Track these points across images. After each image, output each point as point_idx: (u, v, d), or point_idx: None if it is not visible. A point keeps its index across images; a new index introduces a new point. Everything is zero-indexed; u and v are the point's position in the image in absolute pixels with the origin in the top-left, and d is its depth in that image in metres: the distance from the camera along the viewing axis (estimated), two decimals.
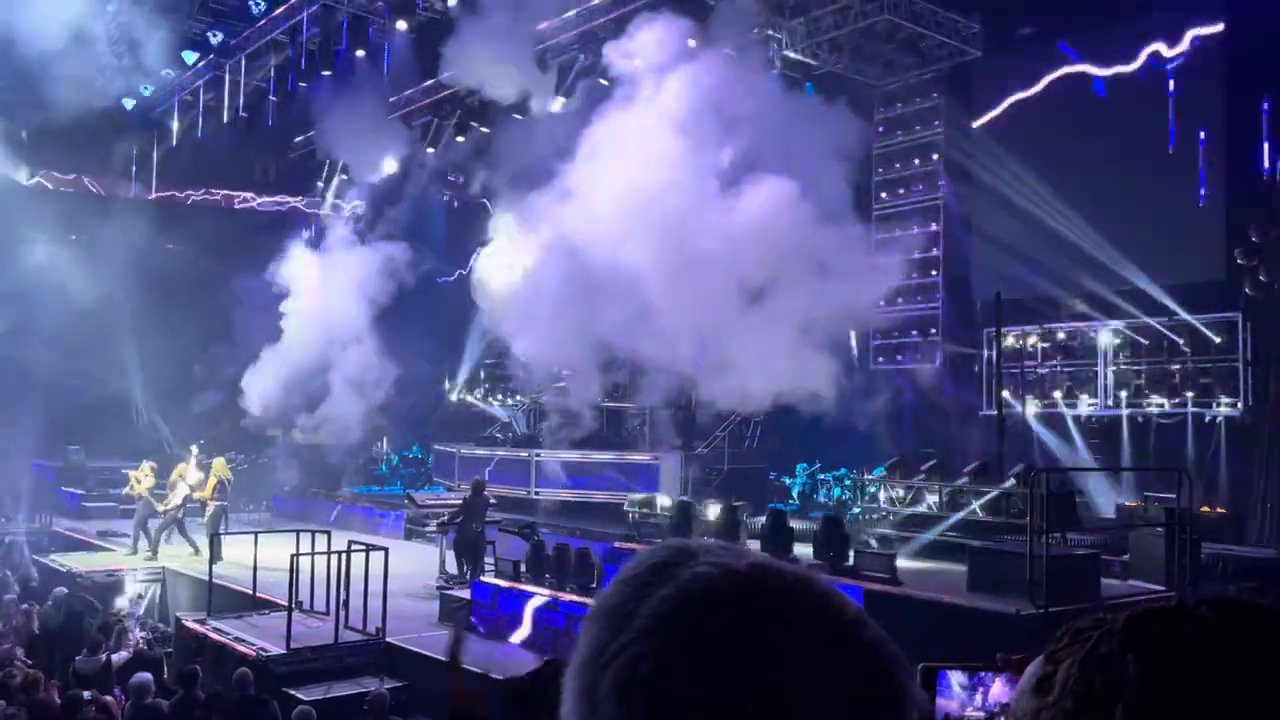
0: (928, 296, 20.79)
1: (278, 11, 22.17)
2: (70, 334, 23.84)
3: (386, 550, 12.91)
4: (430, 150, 25.74)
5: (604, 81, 19.55)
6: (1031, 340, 19.07)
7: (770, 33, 19.64)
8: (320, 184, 28.64)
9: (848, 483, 19.37)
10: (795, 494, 20.68)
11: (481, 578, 14.19)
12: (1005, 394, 18.15)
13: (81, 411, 24.07)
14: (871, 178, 21.55)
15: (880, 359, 21.53)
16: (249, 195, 29.17)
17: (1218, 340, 16.71)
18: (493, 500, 16.54)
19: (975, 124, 20.05)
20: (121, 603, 14.97)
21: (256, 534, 14.24)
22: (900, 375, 20.96)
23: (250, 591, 13.73)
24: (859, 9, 18.96)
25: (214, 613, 13.30)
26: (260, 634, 12.32)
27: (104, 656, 10.75)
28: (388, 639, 12.16)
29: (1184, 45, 17.10)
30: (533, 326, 20.33)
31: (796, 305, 17.28)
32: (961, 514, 14.76)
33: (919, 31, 19.37)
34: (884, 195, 21.58)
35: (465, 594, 13.75)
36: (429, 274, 28.18)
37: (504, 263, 23.12)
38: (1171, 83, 17.22)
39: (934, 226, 20.75)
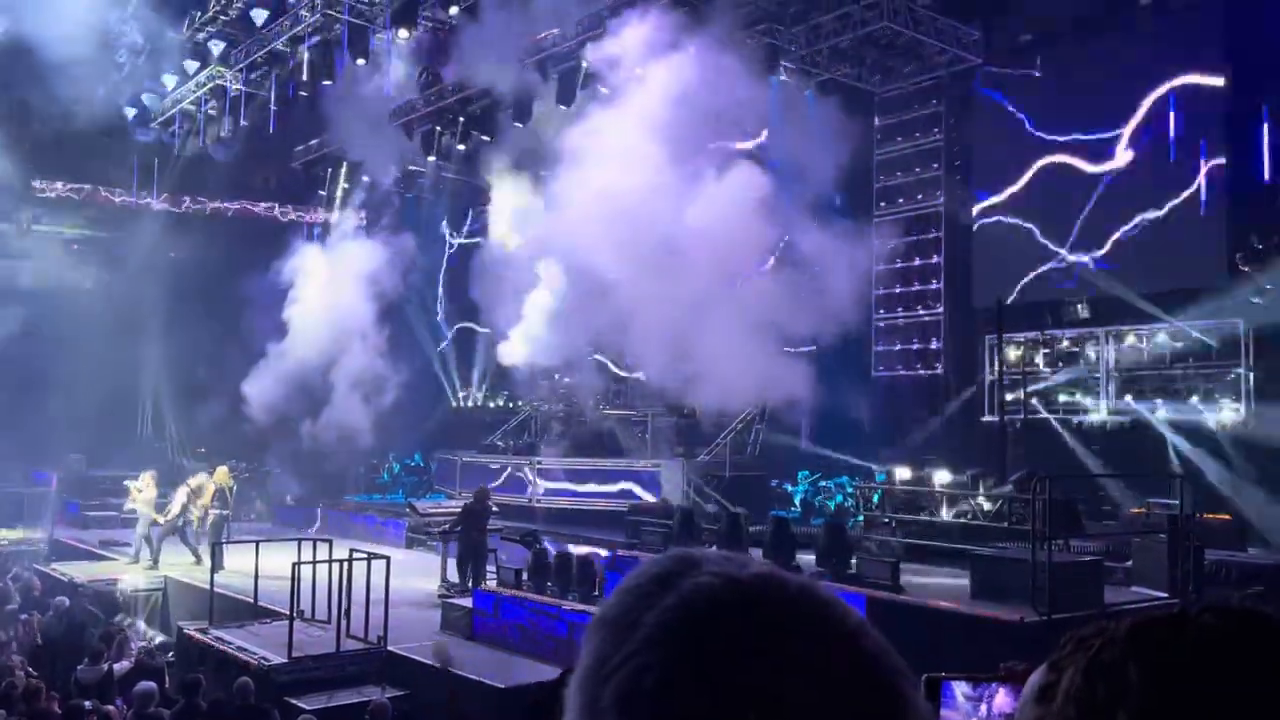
0: (930, 303, 20.79)
1: (279, 21, 22.21)
2: (72, 343, 23.85)
3: (388, 559, 12.91)
4: (431, 159, 25.78)
5: (604, 90, 19.60)
6: (1033, 347, 19.04)
7: (771, 40, 19.67)
8: (322, 192, 28.69)
9: (850, 490, 19.35)
10: (797, 501, 20.66)
11: (483, 586, 14.18)
12: (1007, 401, 18.15)
13: (83, 420, 24.07)
14: (873, 184, 21.57)
15: (882, 366, 21.52)
16: (251, 203, 29.19)
17: (1219, 347, 16.69)
18: (495, 508, 16.53)
19: (974, 128, 20.07)
20: (122, 613, 14.96)
21: (258, 543, 14.23)
22: (902, 382, 20.94)
23: (252, 600, 13.72)
24: (859, 16, 18.99)
25: (215, 622, 13.28)
26: (262, 643, 12.30)
27: (106, 666, 10.73)
28: (389, 648, 12.15)
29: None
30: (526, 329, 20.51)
31: (764, 306, 17.47)
32: (964, 521, 14.75)
33: (919, 38, 19.39)
34: (884, 204, 21.59)
35: (467, 602, 13.73)
36: (432, 280, 28.23)
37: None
38: (1171, 90, 17.23)
39: (935, 233, 20.75)
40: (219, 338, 25.70)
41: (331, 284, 25.06)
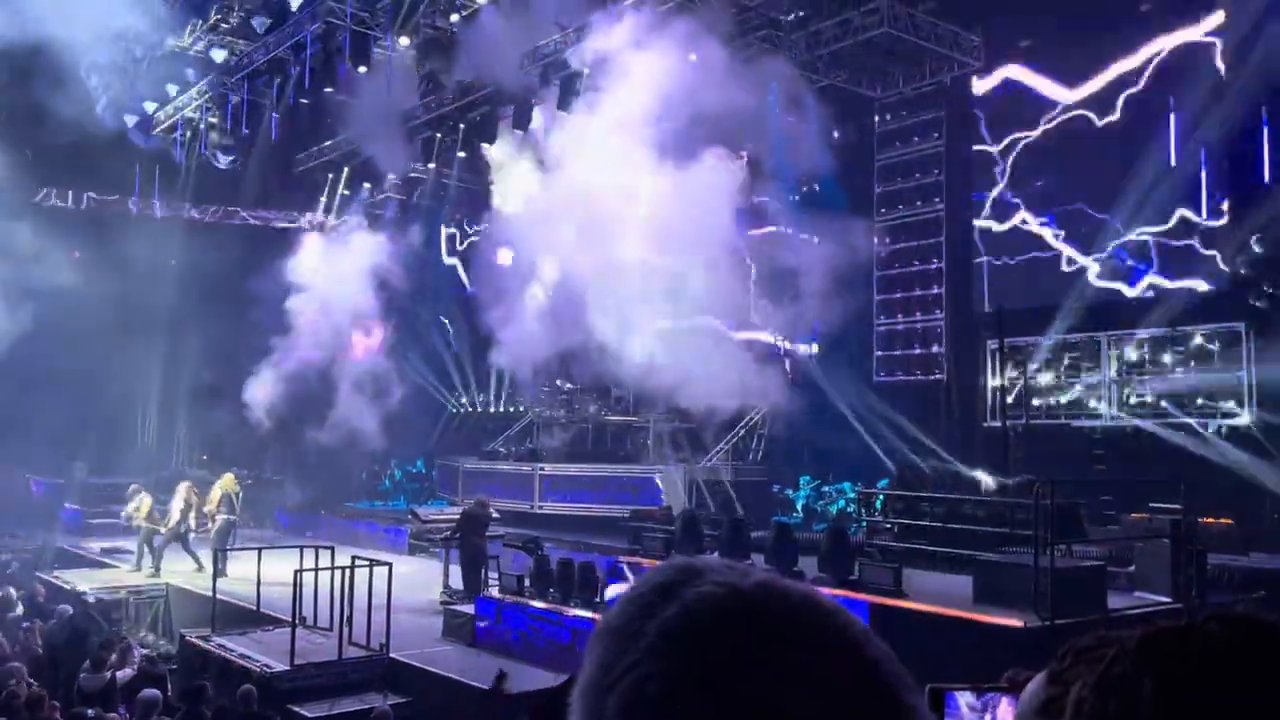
0: (930, 309, 20.79)
1: (281, 29, 22.26)
2: (73, 351, 23.87)
3: (390, 565, 12.91)
4: (431, 166, 25.83)
5: (603, 96, 19.61)
6: (1035, 352, 19.03)
7: (771, 45, 19.72)
8: (323, 199, 28.73)
9: (852, 495, 19.34)
10: (799, 506, 20.65)
11: (484, 593, 14.17)
12: (1008, 405, 18.14)
13: (85, 427, 24.09)
14: (873, 190, 21.58)
15: (883, 372, 21.52)
16: (252, 210, 29.21)
17: (1220, 350, 16.67)
18: (495, 515, 16.53)
19: (975, 133, 20.08)
20: (124, 621, 14.96)
21: (260, 549, 14.23)
22: (904, 388, 20.93)
23: (254, 607, 13.71)
24: (860, 22, 19.02)
25: (218, 629, 13.28)
26: (264, 650, 12.30)
27: (108, 674, 10.72)
28: (391, 655, 12.14)
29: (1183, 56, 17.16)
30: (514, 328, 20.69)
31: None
32: (966, 526, 14.72)
33: (919, 44, 19.41)
34: (884, 209, 21.59)
35: (469, 609, 13.72)
36: (432, 283, 28.27)
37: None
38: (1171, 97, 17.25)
39: (936, 239, 20.76)
40: (221, 344, 25.73)
41: (334, 276, 25.09)
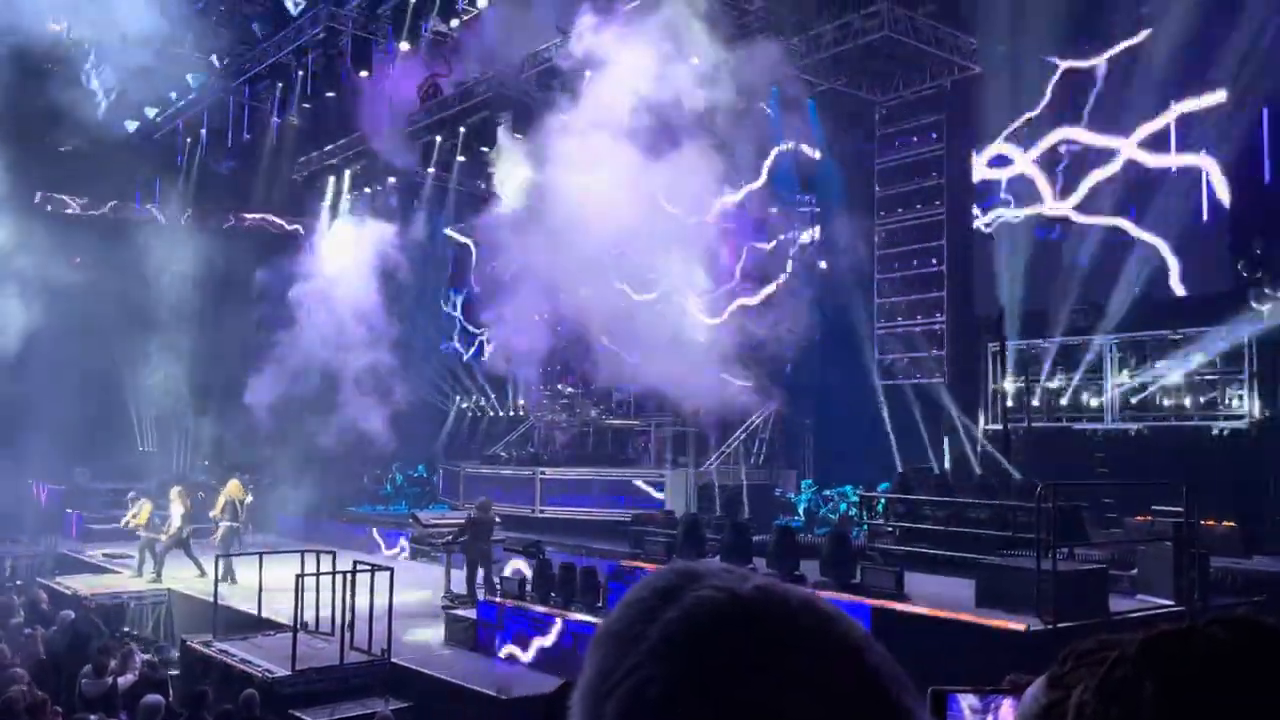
0: (932, 311, 20.78)
1: (282, 33, 22.31)
2: (74, 355, 23.89)
3: (392, 570, 12.91)
4: (430, 170, 25.86)
5: (602, 99, 19.62)
6: (1036, 354, 19.02)
7: (771, 49, 19.72)
8: (324, 203, 28.75)
9: (853, 499, 19.33)
10: (801, 510, 20.64)
11: (487, 597, 14.17)
12: (1010, 408, 18.12)
13: (87, 432, 24.10)
14: (874, 193, 21.58)
15: (884, 375, 21.50)
16: (253, 214, 29.25)
17: (1222, 353, 16.65)
18: (498, 520, 16.55)
19: (974, 136, 20.08)
20: (126, 626, 14.96)
21: (261, 555, 14.25)
22: (905, 390, 20.92)
23: (255, 612, 13.71)
24: (860, 25, 19.03)
25: (219, 634, 13.28)
26: (266, 655, 12.30)
27: (110, 679, 10.72)
28: (393, 659, 12.13)
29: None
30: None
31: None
32: (968, 529, 14.70)
33: (920, 48, 19.42)
34: (884, 212, 21.59)
35: (470, 614, 13.72)
36: (433, 287, 28.29)
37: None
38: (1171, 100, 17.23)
39: (937, 241, 20.76)
40: (223, 347, 25.75)
41: (335, 278, 25.15)
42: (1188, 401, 17.06)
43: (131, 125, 25.09)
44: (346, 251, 25.99)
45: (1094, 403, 18.24)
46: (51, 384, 23.54)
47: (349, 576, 12.52)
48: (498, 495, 20.09)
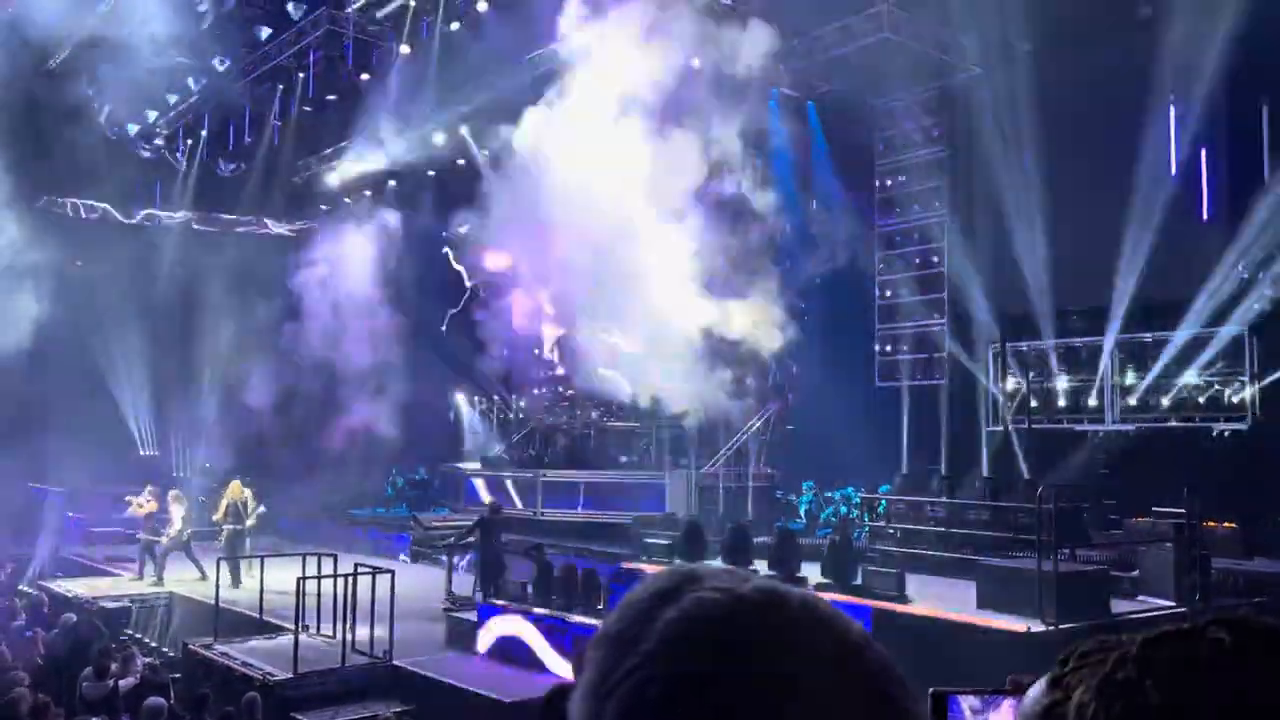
0: (932, 313, 20.78)
1: (283, 36, 22.34)
2: (76, 358, 23.92)
3: (393, 572, 12.91)
4: (431, 173, 25.89)
5: (603, 101, 19.62)
6: (1036, 356, 19.03)
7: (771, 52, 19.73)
8: (324, 206, 28.76)
9: (855, 501, 19.33)
10: (802, 512, 20.64)
11: (488, 599, 14.18)
12: (1010, 409, 18.13)
13: (88, 435, 24.10)
14: (874, 196, 21.58)
15: (885, 376, 21.50)
16: (254, 216, 29.26)
17: (1222, 353, 16.65)
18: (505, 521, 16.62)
19: (974, 140, 20.09)
20: (127, 629, 14.97)
21: (263, 557, 14.25)
22: (905, 392, 20.93)
23: (257, 615, 13.71)
24: (859, 27, 19.03)
25: (220, 637, 13.28)
26: (267, 658, 12.30)
27: (111, 682, 10.72)
28: (394, 662, 12.13)
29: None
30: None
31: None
32: (969, 531, 14.71)
33: (919, 50, 19.41)
34: (886, 214, 21.59)
35: (472, 616, 13.71)
36: (433, 289, 28.28)
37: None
38: (1171, 98, 17.23)
39: (937, 243, 20.76)
40: (224, 349, 25.75)
41: (336, 279, 25.20)
42: (1188, 402, 17.05)
43: (133, 128, 25.12)
44: (347, 252, 26.01)
45: (1094, 404, 18.24)
46: (53, 387, 23.57)
47: (350, 578, 12.52)
48: (498, 498, 20.10)
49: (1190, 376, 17.02)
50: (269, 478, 24.12)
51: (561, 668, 11.75)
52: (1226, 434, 16.38)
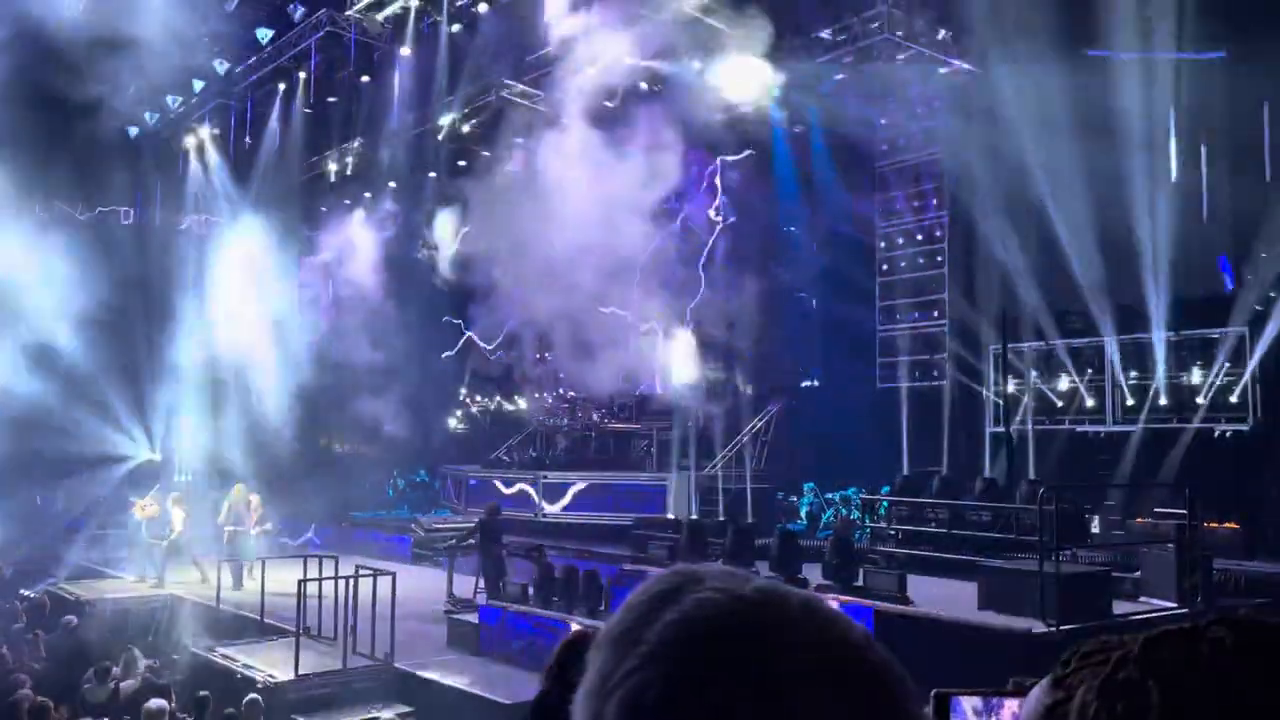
0: (933, 314, 20.78)
1: (284, 38, 22.37)
2: (76, 363, 23.91)
3: (394, 575, 12.91)
4: (432, 175, 25.89)
5: (608, 104, 19.66)
6: (1038, 357, 19.02)
7: (771, 54, 19.74)
8: (324, 208, 28.76)
9: (856, 502, 19.32)
10: (803, 513, 20.63)
11: (490, 601, 14.19)
12: (1012, 410, 18.11)
13: (89, 438, 24.11)
14: (875, 196, 21.58)
15: (886, 377, 21.49)
16: (255, 217, 29.25)
17: (1223, 353, 16.64)
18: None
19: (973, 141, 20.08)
20: (129, 631, 14.96)
21: (264, 560, 14.25)
22: (906, 393, 20.92)
23: (258, 617, 13.71)
24: (859, 29, 19.03)
25: (222, 639, 13.28)
26: (268, 660, 12.30)
27: (113, 685, 10.72)
28: (396, 664, 12.13)
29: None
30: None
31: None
32: (970, 531, 14.70)
33: (919, 51, 19.41)
34: (888, 216, 21.59)
35: (473, 618, 13.71)
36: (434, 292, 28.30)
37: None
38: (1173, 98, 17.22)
39: (938, 243, 20.76)
40: (225, 350, 25.73)
41: (336, 280, 25.24)
42: (1189, 403, 17.04)
43: (133, 132, 25.15)
44: (349, 253, 26.03)
45: (1096, 404, 18.23)
46: (54, 390, 23.55)
47: (351, 581, 12.52)
48: (501, 500, 20.10)
49: (1192, 377, 17.02)
50: (271, 480, 24.16)
51: None
52: (1228, 434, 16.37)
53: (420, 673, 11.97)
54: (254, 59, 23.23)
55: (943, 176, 20.63)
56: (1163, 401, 17.33)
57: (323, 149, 27.08)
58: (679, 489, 19.50)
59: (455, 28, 21.21)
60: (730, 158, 20.87)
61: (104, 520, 22.01)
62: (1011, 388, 18.53)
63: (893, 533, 16.02)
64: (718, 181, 21.25)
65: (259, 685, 11.29)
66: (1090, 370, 18.32)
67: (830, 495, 20.50)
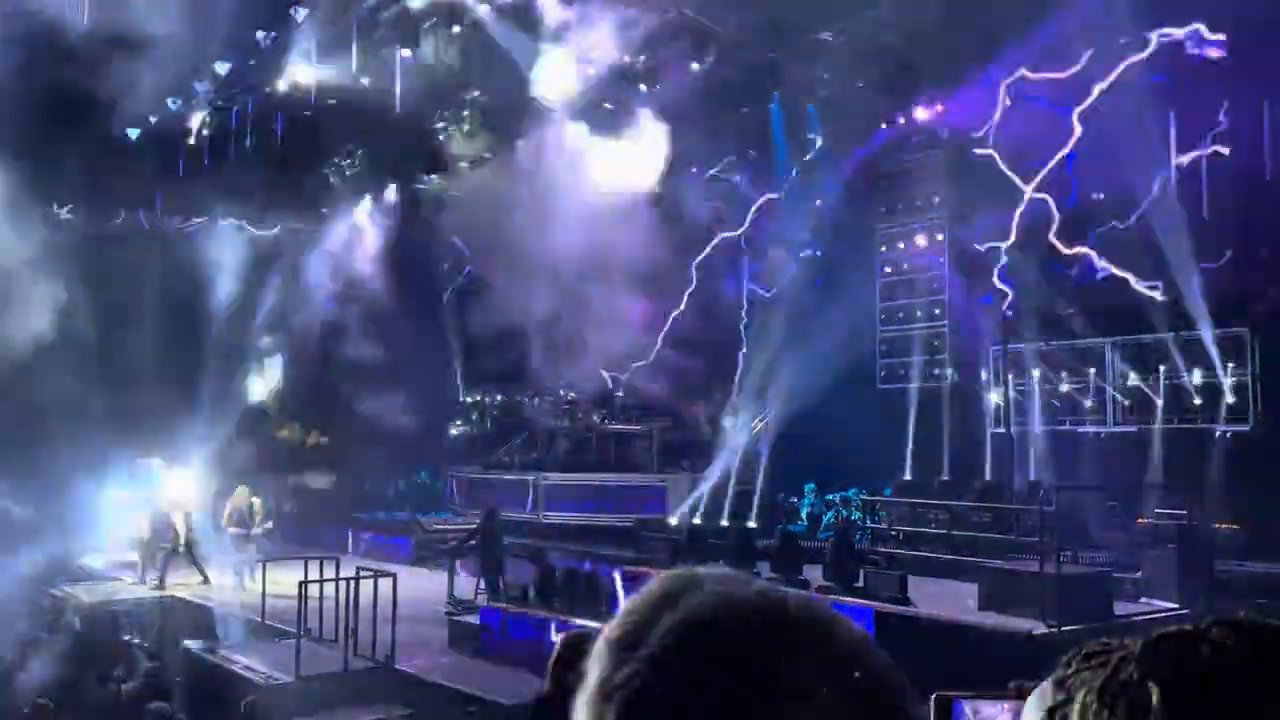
0: (934, 315, 20.77)
1: (284, 40, 22.33)
2: (76, 367, 23.90)
3: (395, 576, 12.90)
4: (434, 176, 25.91)
5: (608, 106, 19.67)
6: (1039, 357, 19.01)
7: (772, 55, 19.75)
8: (325, 209, 28.76)
9: (857, 503, 19.30)
10: (804, 514, 20.61)
11: (491, 603, 14.19)
12: (1012, 411, 18.10)
13: (90, 439, 24.09)
14: (875, 196, 21.58)
15: (887, 378, 21.49)
16: (256, 217, 29.26)
17: (1225, 355, 16.62)
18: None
19: (973, 140, 20.08)
20: (130, 633, 14.96)
21: (265, 561, 14.25)
22: (907, 394, 20.91)
23: (259, 619, 13.71)
24: (859, 29, 19.02)
25: (223, 641, 13.28)
26: (269, 662, 12.29)
27: (114, 686, 10.72)
28: (397, 666, 12.12)
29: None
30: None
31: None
32: (971, 533, 14.70)
33: (919, 51, 19.39)
34: (889, 217, 21.58)
35: (474, 619, 13.71)
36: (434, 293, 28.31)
37: None
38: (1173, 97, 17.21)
39: (938, 245, 20.75)
40: (226, 351, 25.76)
41: (336, 280, 25.28)
42: (1190, 403, 17.02)
43: (134, 133, 25.12)
44: (352, 253, 26.05)
45: (1097, 405, 18.21)
46: (56, 394, 23.53)
47: (352, 582, 12.51)
48: (500, 501, 20.10)
49: (1193, 378, 17.00)
50: (272, 480, 24.17)
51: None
52: (1229, 435, 16.35)
53: (421, 674, 11.97)
54: (255, 60, 23.19)
55: (942, 175, 20.62)
56: (1164, 402, 17.32)
57: (325, 147, 27.07)
58: (680, 490, 19.50)
59: (456, 29, 21.19)
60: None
61: (107, 523, 22.01)
62: (1013, 389, 18.52)
63: (893, 534, 16.02)
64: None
65: (260, 686, 11.29)
66: (1091, 371, 18.31)
67: (831, 496, 20.48)
